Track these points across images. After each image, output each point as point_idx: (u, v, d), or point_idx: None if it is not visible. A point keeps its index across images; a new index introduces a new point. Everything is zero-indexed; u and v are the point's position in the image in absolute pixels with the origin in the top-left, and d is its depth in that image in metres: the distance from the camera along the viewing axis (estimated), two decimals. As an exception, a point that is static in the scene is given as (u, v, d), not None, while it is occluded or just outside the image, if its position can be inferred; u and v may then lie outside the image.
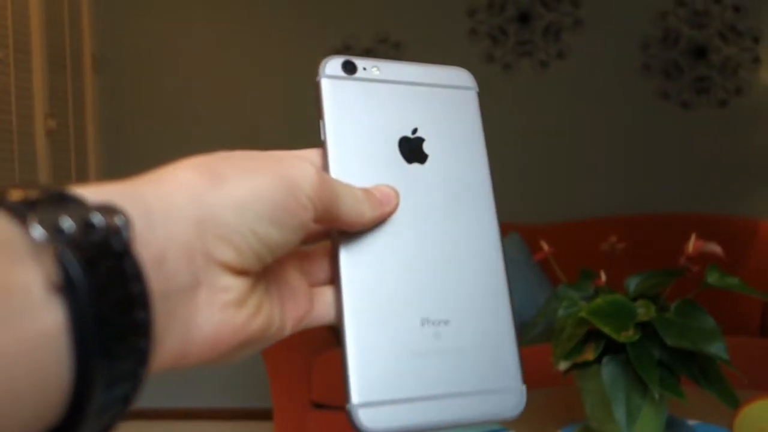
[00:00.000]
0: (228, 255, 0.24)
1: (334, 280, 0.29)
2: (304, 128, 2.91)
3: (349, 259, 0.29)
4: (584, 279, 1.00)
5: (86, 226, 0.19)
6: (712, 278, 0.90)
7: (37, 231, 0.18)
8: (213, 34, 2.92)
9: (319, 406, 2.01)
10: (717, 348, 0.84)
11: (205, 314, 0.24)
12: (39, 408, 0.18)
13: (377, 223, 0.30)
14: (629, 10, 2.77)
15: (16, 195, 0.19)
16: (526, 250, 2.42)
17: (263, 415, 2.68)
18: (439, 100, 0.33)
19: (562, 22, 2.79)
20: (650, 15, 2.76)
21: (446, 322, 0.29)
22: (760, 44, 2.70)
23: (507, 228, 2.54)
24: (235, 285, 0.25)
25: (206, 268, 0.24)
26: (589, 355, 0.89)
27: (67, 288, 0.18)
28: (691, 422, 1.07)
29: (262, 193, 0.25)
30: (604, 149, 2.78)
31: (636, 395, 0.86)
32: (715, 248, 0.92)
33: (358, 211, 0.28)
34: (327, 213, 0.27)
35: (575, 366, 0.92)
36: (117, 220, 0.20)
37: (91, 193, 0.21)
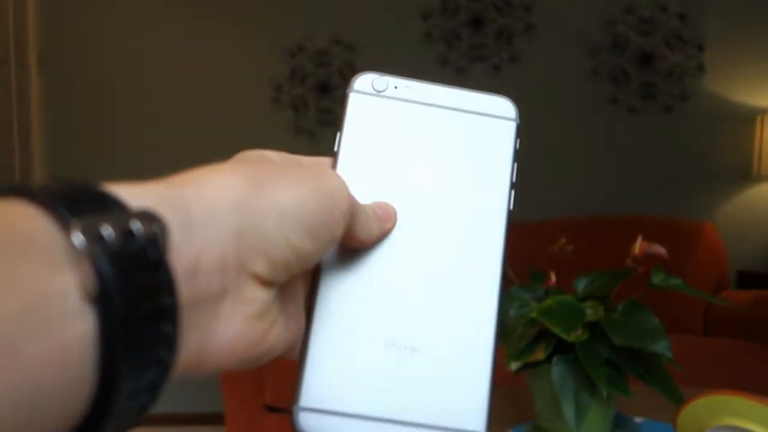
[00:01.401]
0: (261, 266, 0.24)
1: (311, 291, 0.29)
2: (256, 128, 2.89)
3: (329, 273, 0.29)
4: (535, 280, 1.02)
5: (125, 234, 0.19)
6: (657, 279, 0.93)
7: (79, 238, 0.18)
8: (163, 34, 2.87)
9: (272, 409, 2.00)
10: (662, 347, 0.86)
11: (226, 325, 0.24)
12: (62, 414, 0.18)
13: (379, 241, 0.30)
14: (579, 16, 2.83)
15: (53, 191, 0.19)
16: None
17: (214, 419, 2.64)
18: (469, 127, 0.32)
19: (514, 27, 2.83)
20: (599, 22, 2.82)
21: (414, 349, 0.28)
22: (704, 52, 2.79)
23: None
24: (259, 297, 0.24)
25: (236, 279, 0.23)
26: (540, 354, 0.90)
27: (101, 298, 0.18)
28: (638, 419, 1.10)
29: (303, 204, 0.25)
30: (554, 153, 2.83)
31: (585, 394, 0.87)
32: (660, 250, 0.95)
33: (369, 230, 0.29)
34: (348, 231, 0.28)
35: (526, 366, 0.93)
36: (155, 228, 0.19)
37: (131, 194, 0.21)
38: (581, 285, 0.97)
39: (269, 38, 2.86)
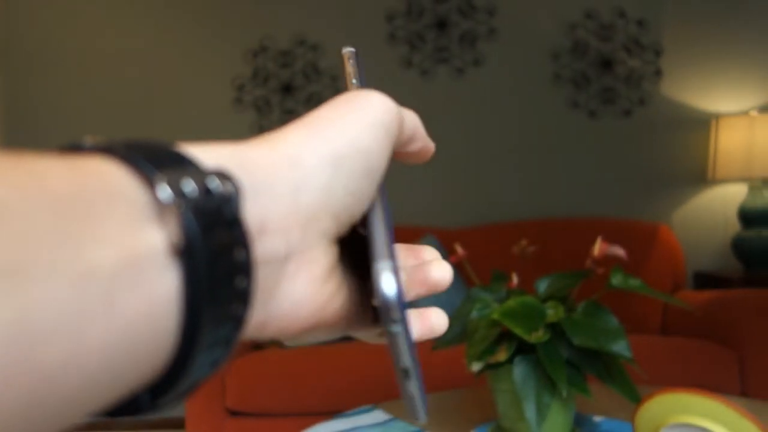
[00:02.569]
0: (325, 223, 0.24)
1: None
2: (218, 128, 2.86)
3: None
4: (496, 281, 1.02)
5: (205, 190, 0.19)
6: (616, 280, 0.94)
7: (165, 193, 0.18)
8: (121, 32, 2.82)
9: (234, 413, 1.97)
10: (620, 347, 0.88)
11: (291, 285, 0.24)
12: (148, 364, 0.18)
13: (419, 148, 0.30)
14: (541, 21, 2.86)
15: (132, 147, 0.19)
16: (441, 253, 2.45)
17: (175, 424, 2.60)
18: None
19: (478, 31, 2.86)
20: (560, 27, 2.86)
21: None
22: (662, 57, 2.85)
23: (423, 231, 2.57)
24: (323, 257, 0.24)
25: (300, 239, 0.23)
26: (502, 355, 0.91)
27: (186, 252, 0.18)
28: (597, 418, 1.11)
29: (357, 144, 0.25)
30: (516, 155, 2.86)
31: (545, 394, 0.88)
32: (619, 251, 0.96)
33: (415, 127, 0.29)
34: (401, 144, 0.28)
35: (488, 367, 0.94)
36: (229, 187, 0.20)
37: (204, 155, 0.21)
38: (542, 286, 0.98)
39: (231, 37, 2.84)
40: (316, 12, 2.85)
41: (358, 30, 2.84)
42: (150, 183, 0.18)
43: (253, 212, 0.22)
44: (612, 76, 2.85)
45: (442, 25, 2.86)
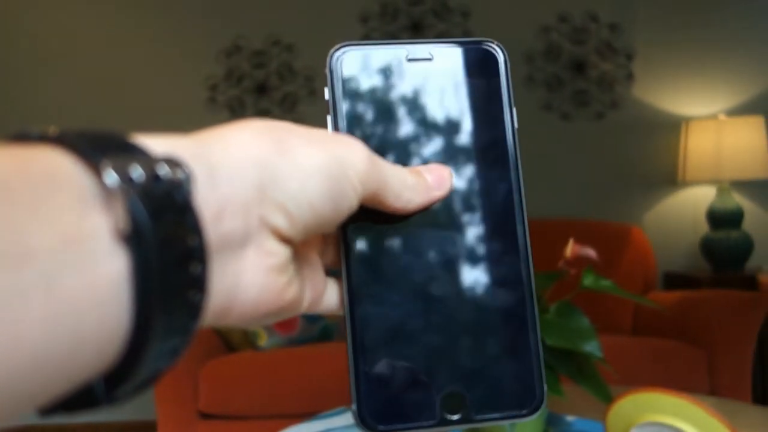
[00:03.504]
0: (281, 222, 0.24)
1: (342, 270, 0.29)
2: (191, 129, 2.82)
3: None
4: (471, 282, 1.02)
5: (153, 176, 0.19)
6: (588, 281, 0.95)
7: (111, 178, 0.18)
8: (97, 31, 2.78)
9: (206, 416, 1.96)
10: (592, 347, 0.88)
11: (250, 274, 0.24)
12: (98, 353, 0.18)
13: (423, 208, 0.29)
14: (515, 23, 2.88)
15: (78, 135, 0.19)
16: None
17: (146, 428, 2.57)
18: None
19: (452, 33, 2.87)
20: (534, 29, 2.89)
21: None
22: (633, 61, 2.89)
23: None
24: (280, 251, 0.25)
25: (258, 229, 0.24)
26: (475, 356, 0.91)
27: (134, 237, 0.18)
28: (570, 418, 1.12)
29: (324, 168, 0.25)
30: (491, 157, 2.87)
31: None
32: (591, 252, 0.97)
33: (404, 198, 0.28)
34: (373, 196, 0.27)
35: (462, 367, 0.94)
36: (180, 174, 0.20)
37: (156, 144, 0.21)
38: (515, 287, 0.98)
39: (204, 37, 2.81)
40: (291, 12, 2.84)
41: (332, 31, 2.83)
42: (96, 168, 0.18)
43: (211, 200, 0.22)
44: (585, 79, 2.88)
45: (416, 27, 2.87)
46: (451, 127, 0.30)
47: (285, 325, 2.22)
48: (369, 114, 0.30)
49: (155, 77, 2.79)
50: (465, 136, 0.30)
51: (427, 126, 0.30)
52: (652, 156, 2.89)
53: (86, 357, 0.17)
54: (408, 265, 0.28)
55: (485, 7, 2.88)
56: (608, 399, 0.86)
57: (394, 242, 0.29)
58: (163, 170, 0.19)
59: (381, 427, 0.26)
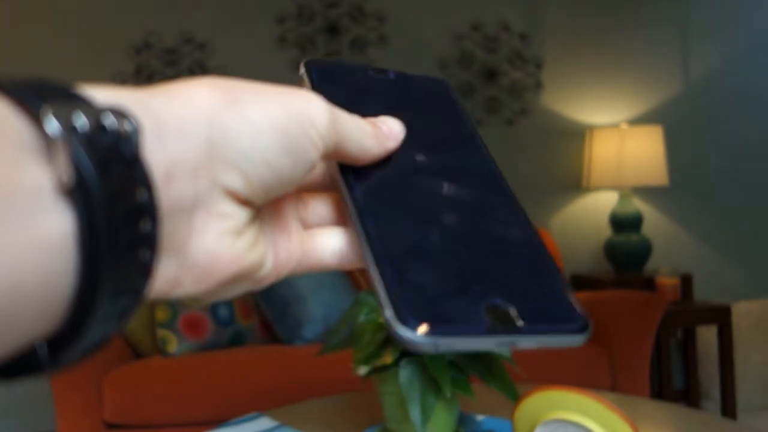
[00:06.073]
0: (236, 182, 0.23)
1: (348, 213, 0.27)
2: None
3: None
4: (384, 285, 1.03)
5: (99, 126, 0.17)
6: (498, 282, 0.98)
7: (52, 126, 0.16)
8: (4, 26, 2.63)
9: (112, 426, 1.88)
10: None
11: (201, 239, 0.22)
12: (42, 313, 0.17)
13: (380, 158, 0.28)
14: (429, 30, 2.93)
15: (16, 81, 0.17)
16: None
17: (47, 440, 2.44)
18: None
19: (368, 37, 2.89)
20: (448, 37, 2.95)
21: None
22: (542, 70, 2.99)
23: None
24: (235, 213, 0.23)
25: (209, 192, 0.22)
26: (388, 359, 0.92)
27: (79, 191, 0.17)
28: (480, 417, 1.15)
29: (279, 122, 0.23)
30: (406, 161, 2.91)
31: (430, 395, 0.90)
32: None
33: (364, 146, 0.27)
34: (335, 149, 0.26)
35: (375, 370, 0.95)
36: (127, 126, 0.18)
37: (100, 94, 0.19)
38: (428, 289, 1.00)
39: (112, 31, 2.71)
40: (205, 10, 2.78)
41: (248, 30, 2.79)
42: (36, 116, 0.17)
43: (159, 158, 0.20)
44: (496, 87, 2.96)
45: (333, 30, 2.87)
46: (427, 125, 0.31)
47: (195, 329, 2.17)
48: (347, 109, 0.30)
49: (60, 72, 2.66)
50: (440, 132, 0.32)
51: (407, 124, 0.31)
52: (559, 162, 3.00)
53: (27, 319, 0.16)
54: (416, 194, 0.28)
55: (401, 12, 2.91)
56: (515, 397, 0.89)
57: (395, 178, 0.28)
58: (109, 120, 0.18)
59: (424, 330, 0.22)
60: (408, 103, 0.32)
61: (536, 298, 0.25)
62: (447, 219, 0.27)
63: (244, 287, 0.25)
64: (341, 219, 0.29)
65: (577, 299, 0.26)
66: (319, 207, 0.29)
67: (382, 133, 0.28)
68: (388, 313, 0.23)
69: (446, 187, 0.29)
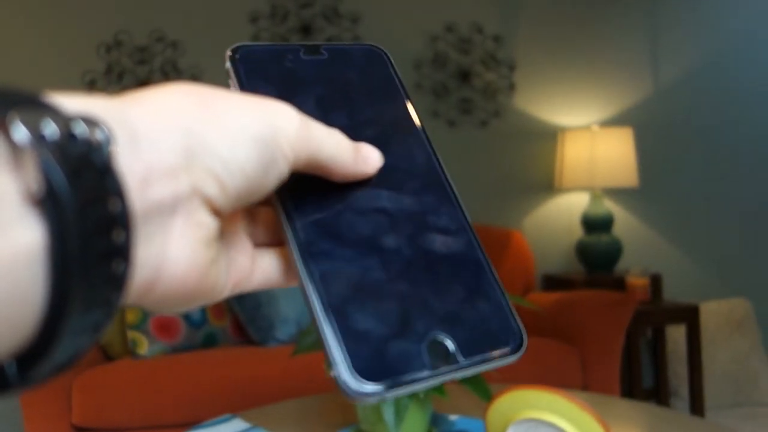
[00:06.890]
0: (213, 191, 0.22)
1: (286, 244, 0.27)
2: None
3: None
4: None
5: (68, 135, 0.17)
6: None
7: (20, 134, 0.16)
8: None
9: (81, 430, 1.85)
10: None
11: (179, 246, 0.22)
12: (11, 328, 0.16)
13: (355, 180, 0.28)
14: (404, 31, 2.94)
15: None
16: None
17: (14, 444, 2.39)
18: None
19: (342, 37, 2.88)
20: (422, 38, 2.95)
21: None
22: (515, 72, 3.02)
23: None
24: (209, 223, 0.23)
25: (189, 197, 0.21)
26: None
27: (49, 202, 0.16)
28: (453, 417, 1.15)
29: (253, 131, 0.23)
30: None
31: (403, 396, 0.90)
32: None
33: (337, 161, 0.26)
34: (306, 161, 0.25)
35: (348, 371, 0.94)
36: (98, 134, 0.18)
37: (69, 102, 0.19)
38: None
39: (83, 29, 2.67)
40: (178, 8, 2.75)
41: (220, 29, 2.77)
42: (2, 123, 0.16)
43: (134, 165, 0.20)
44: (470, 88, 2.98)
45: (306, 29, 2.86)
46: (362, 108, 0.31)
47: (167, 331, 2.15)
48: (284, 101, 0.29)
49: (29, 69, 2.62)
50: (376, 113, 0.31)
51: (340, 109, 0.30)
52: (531, 163, 3.02)
53: None
54: (355, 221, 0.27)
55: (375, 13, 2.91)
56: (488, 397, 0.89)
57: (335, 202, 0.28)
58: (80, 128, 0.17)
59: (370, 386, 0.23)
60: (343, 85, 0.31)
61: (475, 322, 0.26)
62: (386, 242, 0.27)
63: (198, 303, 0.25)
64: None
65: (514, 312, 0.27)
66: (269, 225, 0.29)
67: (360, 154, 0.28)
68: (336, 371, 0.24)
69: (385, 197, 0.29)
